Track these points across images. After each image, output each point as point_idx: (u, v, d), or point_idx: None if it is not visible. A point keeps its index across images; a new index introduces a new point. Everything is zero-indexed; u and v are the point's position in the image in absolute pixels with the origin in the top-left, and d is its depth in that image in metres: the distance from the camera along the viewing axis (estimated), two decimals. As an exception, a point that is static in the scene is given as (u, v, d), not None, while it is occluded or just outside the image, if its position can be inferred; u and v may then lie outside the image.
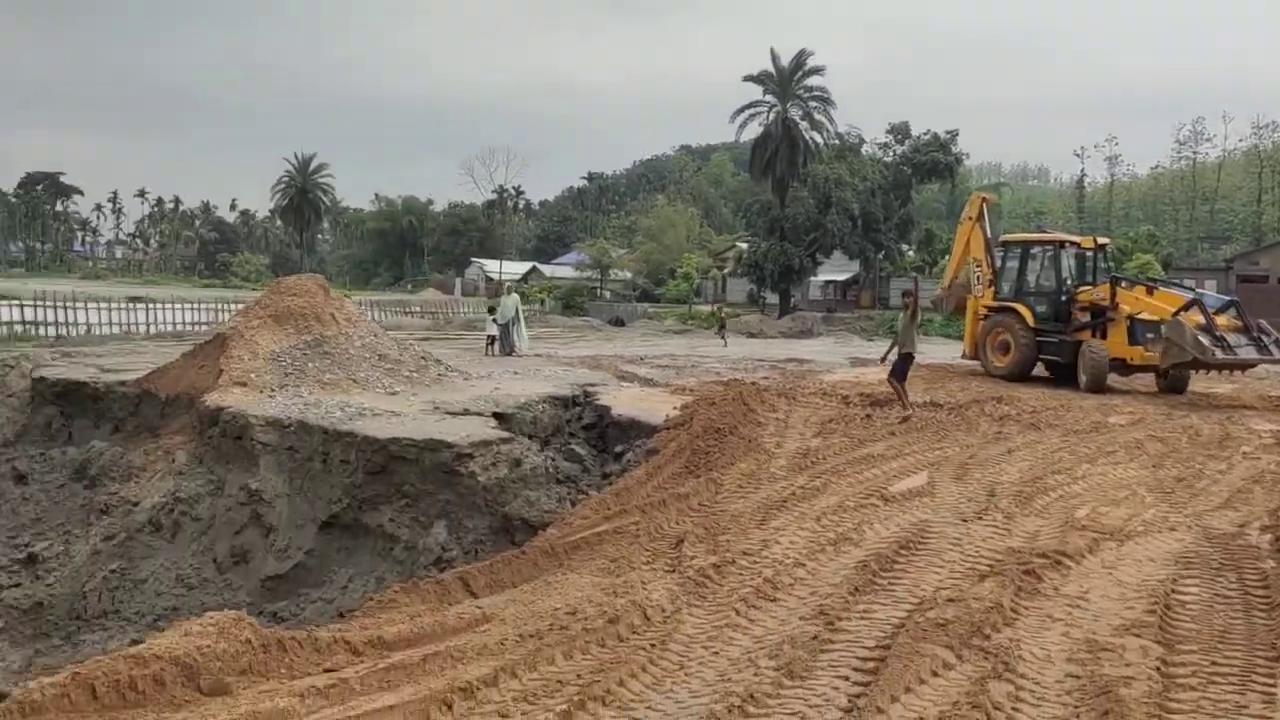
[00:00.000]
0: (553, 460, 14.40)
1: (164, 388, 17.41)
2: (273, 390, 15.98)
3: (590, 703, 5.78)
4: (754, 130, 63.04)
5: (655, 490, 11.52)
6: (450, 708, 5.93)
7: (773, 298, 63.08)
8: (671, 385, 18.65)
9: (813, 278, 66.67)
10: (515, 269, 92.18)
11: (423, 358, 18.87)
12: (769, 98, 62.17)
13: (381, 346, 18.26)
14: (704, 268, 69.07)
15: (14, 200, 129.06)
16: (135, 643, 12.42)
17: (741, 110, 62.58)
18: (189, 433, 16.12)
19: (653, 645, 6.66)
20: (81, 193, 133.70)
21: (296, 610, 12.91)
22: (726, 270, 71.88)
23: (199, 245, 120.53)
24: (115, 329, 43.56)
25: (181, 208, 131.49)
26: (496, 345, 26.08)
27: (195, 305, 49.74)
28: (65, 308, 43.61)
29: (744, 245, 69.00)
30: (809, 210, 58.73)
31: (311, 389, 16.16)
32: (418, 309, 59.84)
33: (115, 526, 14.66)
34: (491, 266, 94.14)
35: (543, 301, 64.15)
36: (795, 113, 62.22)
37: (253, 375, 16.31)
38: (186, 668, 6.14)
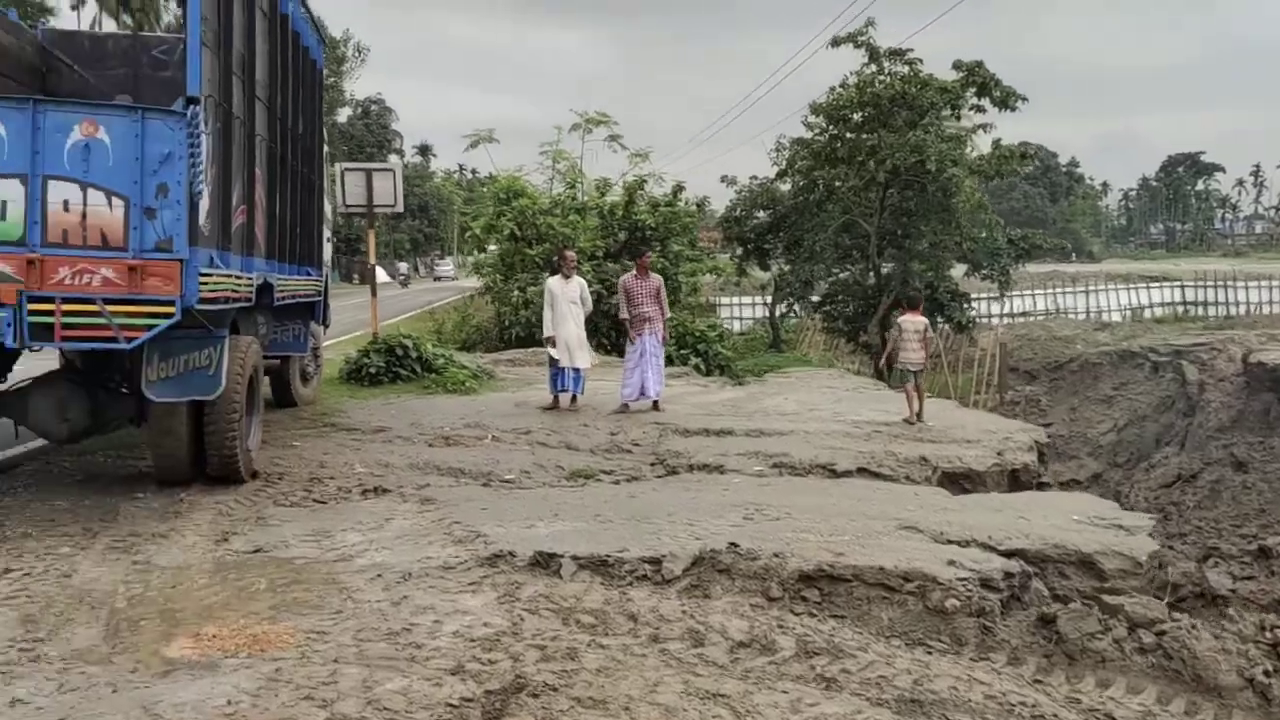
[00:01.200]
0: None
1: None
2: None
3: None
4: None
5: None
6: None
7: None
8: None
9: None
10: None
11: None
12: None
13: None
14: None
15: (1155, 184, 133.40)
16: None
17: None
18: None
19: None
20: (1223, 169, 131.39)
21: None
22: None
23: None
24: (1278, 308, 41.36)
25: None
26: None
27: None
28: (1225, 286, 42.92)
29: None
30: None
31: None
32: None
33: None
34: None
35: None
36: None
37: None
38: None
